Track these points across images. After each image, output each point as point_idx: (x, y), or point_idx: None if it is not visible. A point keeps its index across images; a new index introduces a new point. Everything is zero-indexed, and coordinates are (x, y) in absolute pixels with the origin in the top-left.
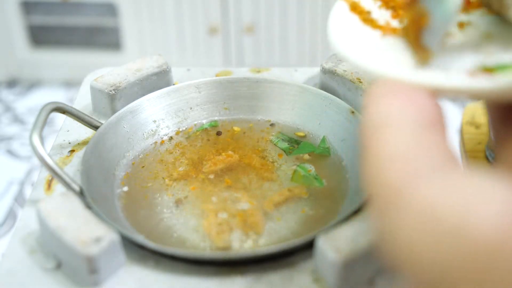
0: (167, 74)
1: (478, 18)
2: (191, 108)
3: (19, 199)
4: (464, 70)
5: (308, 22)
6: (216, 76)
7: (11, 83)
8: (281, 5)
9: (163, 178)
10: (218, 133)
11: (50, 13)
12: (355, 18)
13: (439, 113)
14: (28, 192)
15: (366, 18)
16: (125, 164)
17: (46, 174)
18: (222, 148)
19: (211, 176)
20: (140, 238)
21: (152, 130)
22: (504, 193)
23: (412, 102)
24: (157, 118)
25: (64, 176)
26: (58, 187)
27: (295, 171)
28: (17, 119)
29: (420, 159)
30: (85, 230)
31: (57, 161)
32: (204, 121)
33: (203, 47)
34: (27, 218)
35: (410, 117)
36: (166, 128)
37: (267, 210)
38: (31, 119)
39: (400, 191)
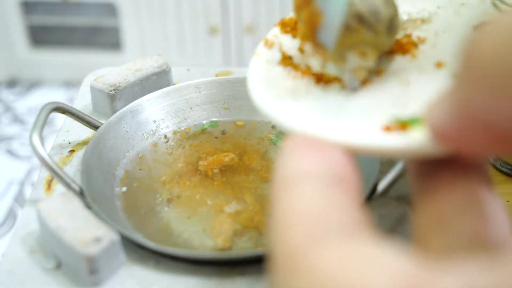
0: (167, 74)
1: (398, 64)
2: (191, 108)
3: (19, 199)
4: (379, 124)
5: None
6: (216, 76)
7: (11, 83)
8: (281, 5)
9: (163, 178)
10: (223, 132)
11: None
12: (274, 63)
13: (350, 169)
14: (28, 192)
15: (286, 61)
16: (125, 164)
17: (46, 174)
18: (222, 148)
19: (212, 176)
20: (140, 238)
21: (152, 130)
22: (397, 266)
23: (322, 157)
24: (157, 118)
25: (64, 176)
26: (58, 187)
27: None
28: (17, 119)
29: (321, 222)
30: (85, 230)
31: (57, 161)
32: (204, 121)
33: (203, 47)
34: (27, 218)
35: (318, 174)
36: (166, 128)
37: (267, 210)
38: (31, 119)
39: (297, 255)
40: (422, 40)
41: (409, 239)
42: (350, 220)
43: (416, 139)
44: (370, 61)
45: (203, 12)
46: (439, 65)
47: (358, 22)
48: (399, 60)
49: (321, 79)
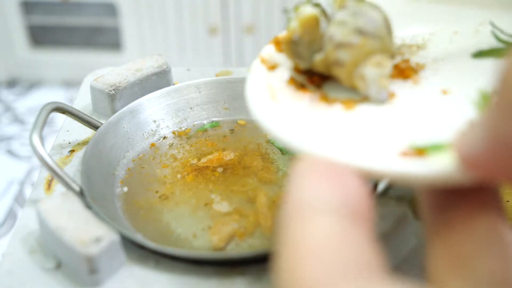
0: (167, 74)
1: (401, 89)
2: (191, 108)
3: (19, 199)
4: (395, 150)
5: None
6: (216, 76)
7: (11, 83)
8: (281, 5)
9: (163, 178)
10: (232, 131)
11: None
12: (274, 83)
13: (366, 198)
14: (28, 192)
15: (292, 81)
16: (125, 164)
17: (46, 174)
18: (222, 148)
19: (212, 176)
20: (140, 238)
21: (152, 130)
22: None
23: (339, 185)
24: (157, 118)
25: (64, 176)
26: (58, 187)
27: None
28: (17, 119)
29: (337, 261)
30: (85, 230)
31: (57, 161)
32: (204, 122)
33: (203, 47)
34: (27, 218)
35: (335, 204)
36: (166, 128)
37: (267, 209)
38: (31, 119)
39: None
40: (421, 67)
41: (421, 271)
42: (366, 260)
43: (439, 166)
44: (387, 68)
45: (203, 12)
46: (445, 92)
47: (360, 36)
48: (402, 86)
49: (325, 98)
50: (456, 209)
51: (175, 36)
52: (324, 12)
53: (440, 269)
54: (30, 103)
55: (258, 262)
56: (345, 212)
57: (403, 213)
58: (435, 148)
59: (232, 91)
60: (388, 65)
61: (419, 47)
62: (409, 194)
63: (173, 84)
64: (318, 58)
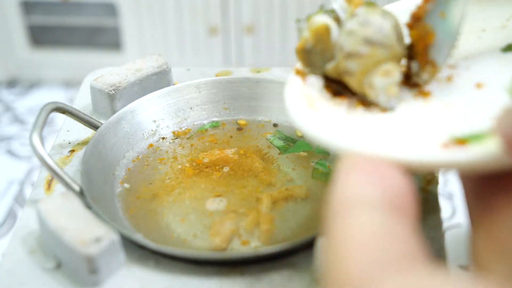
0: (167, 74)
1: (436, 88)
2: (191, 108)
3: (19, 199)
4: (436, 142)
5: None
6: (216, 76)
7: (11, 83)
8: (281, 5)
9: (163, 177)
10: (239, 129)
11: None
12: (311, 92)
13: (409, 192)
14: (28, 192)
15: (328, 88)
16: (125, 164)
17: (46, 174)
18: (223, 148)
19: (213, 176)
20: (140, 238)
21: (152, 130)
22: None
23: (382, 180)
24: (157, 118)
25: (64, 176)
26: (58, 187)
27: (314, 169)
28: (17, 119)
29: (384, 253)
30: (85, 230)
31: (57, 161)
32: (204, 122)
33: (203, 47)
34: (27, 218)
35: (378, 199)
36: (166, 128)
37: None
38: (31, 119)
39: (364, 285)
40: (454, 66)
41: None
42: (410, 251)
43: (484, 152)
44: (396, 76)
45: (203, 12)
46: (479, 86)
47: (368, 46)
48: (436, 85)
49: (363, 102)
50: (499, 195)
51: (175, 36)
52: (337, 19)
53: (483, 254)
54: (30, 103)
55: (258, 262)
56: (388, 206)
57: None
58: (476, 137)
59: (232, 91)
60: (397, 73)
61: None
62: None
63: (173, 84)
64: (330, 66)
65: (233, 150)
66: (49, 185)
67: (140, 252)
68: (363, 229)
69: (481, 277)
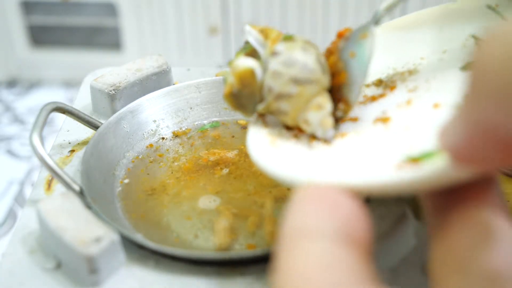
0: (167, 74)
1: (395, 112)
2: (191, 108)
3: (19, 199)
4: (390, 164)
5: (308, 22)
6: (216, 76)
7: (11, 83)
8: (281, 5)
9: (163, 177)
10: (244, 127)
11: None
12: (272, 131)
13: (361, 218)
14: (28, 192)
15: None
16: (125, 164)
17: (46, 174)
18: (224, 148)
19: (213, 176)
20: (140, 238)
21: (152, 130)
22: None
23: (331, 209)
24: (157, 118)
25: (64, 176)
26: (58, 187)
27: None
28: (17, 119)
29: (336, 283)
30: (85, 230)
31: (57, 161)
32: (204, 122)
33: (203, 47)
34: (27, 218)
35: (325, 230)
36: (166, 128)
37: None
38: (31, 119)
39: None
40: (414, 89)
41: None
42: (357, 282)
43: (434, 168)
44: (327, 107)
45: (203, 12)
46: (436, 106)
47: (297, 85)
48: (395, 109)
49: (314, 138)
50: (454, 208)
51: (175, 36)
52: (259, 58)
53: (440, 267)
54: (30, 103)
55: (258, 262)
56: (337, 237)
57: (403, 213)
58: (427, 155)
59: None
60: (328, 104)
61: (411, 72)
62: (409, 194)
63: (173, 84)
64: (261, 108)
65: (234, 149)
66: (49, 185)
67: (140, 252)
68: (309, 262)
69: None
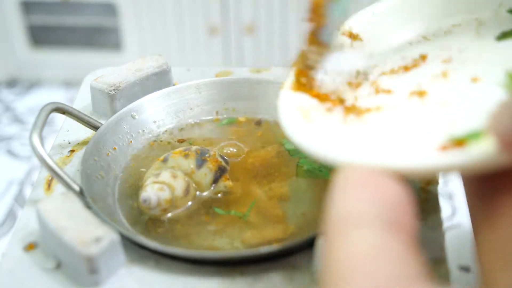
0: (167, 74)
1: (431, 85)
2: (191, 109)
3: (19, 199)
4: (433, 145)
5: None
6: (216, 76)
7: (11, 83)
8: (281, 5)
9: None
10: (257, 123)
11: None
12: (304, 104)
13: (406, 201)
14: (28, 192)
15: (319, 96)
16: (125, 164)
17: (46, 174)
18: (224, 148)
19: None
20: (140, 238)
21: (152, 131)
22: None
23: (376, 194)
24: (157, 118)
25: (64, 176)
26: (58, 187)
27: (297, 166)
28: (17, 119)
29: (380, 276)
30: (85, 230)
31: (57, 161)
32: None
33: (203, 47)
34: (27, 218)
35: (372, 216)
36: (166, 128)
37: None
38: (31, 119)
39: None
40: (448, 60)
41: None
42: (409, 272)
43: (480, 152)
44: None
45: (203, 12)
46: (475, 80)
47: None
48: (431, 81)
49: (352, 110)
50: (502, 195)
51: (175, 36)
52: None
53: (488, 261)
54: (30, 103)
55: (258, 262)
56: (384, 222)
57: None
58: (473, 136)
59: (232, 92)
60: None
61: (443, 40)
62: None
63: (173, 84)
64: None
65: (235, 149)
66: (49, 185)
67: (140, 252)
68: (358, 250)
69: None
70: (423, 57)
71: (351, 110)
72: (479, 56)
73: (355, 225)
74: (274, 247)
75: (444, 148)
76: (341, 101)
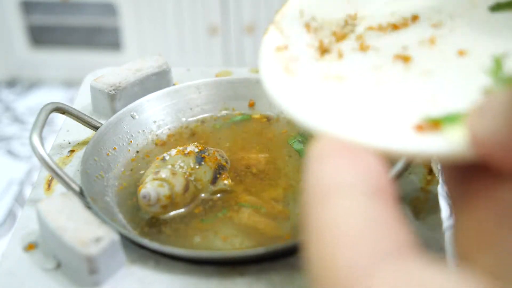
0: (167, 74)
1: (417, 51)
2: (191, 109)
3: (19, 199)
4: (409, 122)
5: None
6: (216, 76)
7: (11, 83)
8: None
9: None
10: (267, 120)
11: (50, 13)
12: (289, 50)
13: (386, 175)
14: (28, 192)
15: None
16: (125, 164)
17: (46, 174)
18: (225, 147)
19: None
20: (140, 238)
21: (152, 130)
22: None
23: (358, 165)
24: (157, 118)
25: (64, 176)
26: (58, 187)
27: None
28: (17, 119)
29: (370, 242)
30: (85, 230)
31: (57, 161)
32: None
33: (203, 47)
34: (27, 218)
35: (357, 184)
36: (166, 128)
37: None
38: (31, 119)
39: (348, 280)
40: (438, 24)
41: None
42: (398, 239)
43: (451, 143)
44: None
45: (203, 12)
46: (461, 53)
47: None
48: (418, 46)
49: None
50: (480, 180)
51: (175, 36)
52: None
53: (467, 244)
54: (30, 103)
55: (258, 262)
56: (368, 190)
57: (403, 213)
58: (450, 119)
59: (232, 91)
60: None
61: (435, 2)
62: (409, 194)
63: (173, 84)
64: None
65: (235, 149)
66: (49, 185)
67: (140, 252)
68: (348, 216)
69: (468, 270)
70: (413, 18)
71: (332, 66)
72: (470, 26)
73: (339, 193)
74: (274, 247)
75: (420, 128)
76: (325, 51)
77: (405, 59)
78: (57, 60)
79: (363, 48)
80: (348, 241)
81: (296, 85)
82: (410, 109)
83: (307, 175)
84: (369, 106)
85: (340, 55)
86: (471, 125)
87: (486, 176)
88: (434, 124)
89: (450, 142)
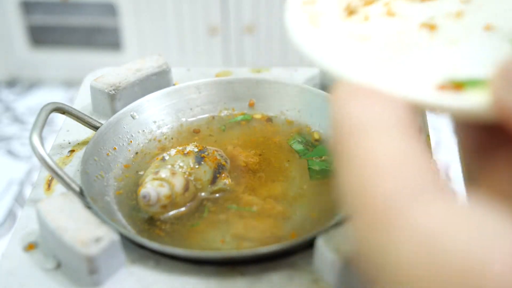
0: (167, 74)
1: (443, 22)
2: (191, 109)
3: (19, 199)
4: (432, 82)
5: None
6: (216, 76)
7: (11, 83)
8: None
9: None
10: (268, 120)
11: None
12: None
13: (413, 119)
14: (28, 192)
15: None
16: (125, 164)
17: (46, 174)
18: (225, 147)
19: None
20: (140, 238)
21: (152, 131)
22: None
23: (388, 105)
24: (157, 118)
25: (64, 176)
26: (58, 187)
27: (309, 169)
28: (17, 119)
29: (409, 175)
30: (85, 230)
31: (57, 161)
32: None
33: (203, 47)
34: (27, 218)
35: (390, 121)
36: (166, 128)
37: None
38: (31, 119)
39: (391, 212)
40: (466, 1)
41: None
42: (433, 177)
43: (474, 102)
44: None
45: (203, 12)
46: (488, 27)
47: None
48: (446, 17)
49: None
50: (498, 149)
51: (175, 36)
52: None
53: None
54: (30, 103)
55: (258, 262)
56: (399, 128)
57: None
58: (473, 83)
59: (232, 91)
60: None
61: None
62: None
63: (173, 84)
64: None
65: (235, 147)
66: (49, 185)
67: (140, 252)
68: (387, 151)
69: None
70: None
71: (360, 24)
72: (499, 3)
73: (373, 130)
74: (274, 247)
75: (442, 87)
76: (352, 12)
77: (431, 27)
78: (57, 60)
79: (390, 14)
80: (389, 173)
81: (321, 36)
82: (433, 71)
83: (335, 114)
84: (391, 64)
85: (366, 18)
86: (496, 89)
87: (506, 145)
88: (457, 85)
89: (472, 102)
